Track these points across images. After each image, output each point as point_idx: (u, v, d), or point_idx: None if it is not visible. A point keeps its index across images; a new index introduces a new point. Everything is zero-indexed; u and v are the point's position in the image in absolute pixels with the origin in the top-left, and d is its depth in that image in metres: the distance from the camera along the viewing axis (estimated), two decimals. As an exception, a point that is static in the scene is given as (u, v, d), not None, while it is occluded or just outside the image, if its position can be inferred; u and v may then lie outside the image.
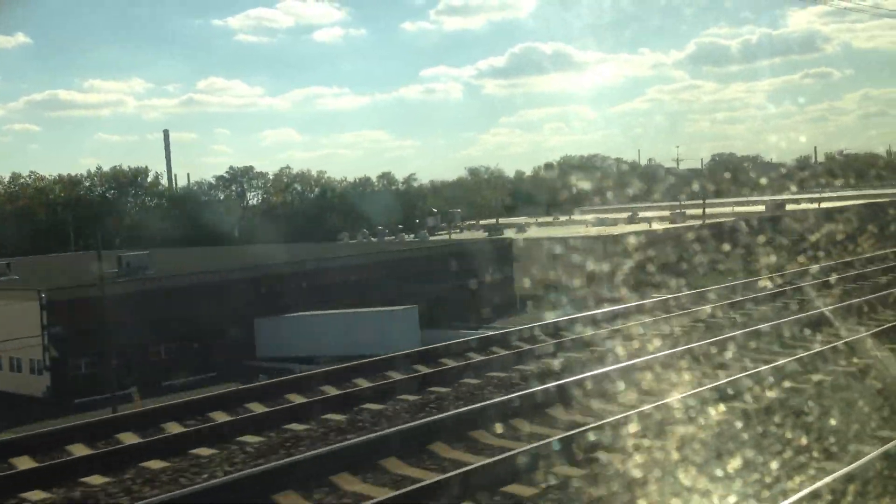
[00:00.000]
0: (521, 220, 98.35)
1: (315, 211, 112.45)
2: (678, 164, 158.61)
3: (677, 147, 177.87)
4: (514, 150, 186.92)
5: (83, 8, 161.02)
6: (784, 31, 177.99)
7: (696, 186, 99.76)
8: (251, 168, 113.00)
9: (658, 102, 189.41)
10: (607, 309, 20.82)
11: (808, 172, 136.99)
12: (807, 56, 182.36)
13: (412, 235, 79.32)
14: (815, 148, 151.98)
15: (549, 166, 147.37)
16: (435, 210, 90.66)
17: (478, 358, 15.76)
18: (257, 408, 12.98)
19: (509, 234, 78.97)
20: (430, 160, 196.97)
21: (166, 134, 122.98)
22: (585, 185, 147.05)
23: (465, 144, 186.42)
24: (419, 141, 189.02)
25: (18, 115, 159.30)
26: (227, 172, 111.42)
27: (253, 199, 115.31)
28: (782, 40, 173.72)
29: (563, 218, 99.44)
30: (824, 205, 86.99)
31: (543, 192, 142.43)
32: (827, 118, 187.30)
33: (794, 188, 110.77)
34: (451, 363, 15.49)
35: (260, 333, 48.82)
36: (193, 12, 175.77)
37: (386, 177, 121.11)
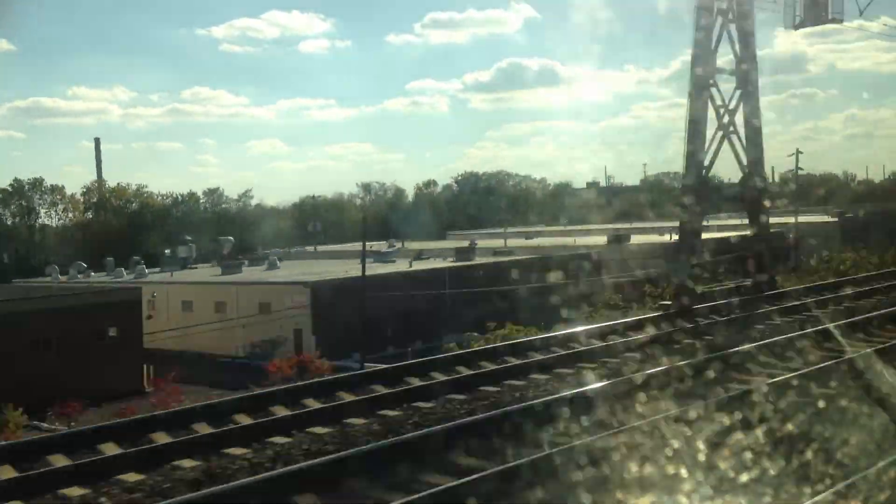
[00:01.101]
0: (337, 248, 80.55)
1: (129, 231, 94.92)
2: (646, 177, 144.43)
3: (644, 164, 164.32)
4: (501, 163, 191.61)
5: (66, 15, 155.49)
6: (769, 51, 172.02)
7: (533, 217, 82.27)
8: (41, 180, 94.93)
9: (642, 119, 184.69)
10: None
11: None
12: (792, 76, 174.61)
13: (128, 272, 61.07)
14: (773, 168, 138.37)
15: (431, 184, 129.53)
16: (189, 238, 72.10)
17: None
18: None
19: (249, 271, 60.85)
20: (418, 173, 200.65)
21: (97, 142, 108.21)
22: (473, 206, 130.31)
23: (452, 157, 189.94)
24: (405, 154, 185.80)
25: (1, 121, 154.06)
26: (10, 185, 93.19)
27: (50, 217, 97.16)
28: (768, 60, 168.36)
29: (395, 246, 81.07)
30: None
31: (425, 213, 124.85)
32: (813, 138, 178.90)
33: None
34: None
35: None
36: (177, 21, 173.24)
37: (213, 194, 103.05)
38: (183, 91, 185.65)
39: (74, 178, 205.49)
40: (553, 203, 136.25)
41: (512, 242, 79.06)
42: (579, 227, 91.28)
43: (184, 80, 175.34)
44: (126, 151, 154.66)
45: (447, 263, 55.52)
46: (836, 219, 74.54)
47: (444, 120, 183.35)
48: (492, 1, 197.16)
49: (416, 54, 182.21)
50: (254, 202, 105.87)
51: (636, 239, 68.35)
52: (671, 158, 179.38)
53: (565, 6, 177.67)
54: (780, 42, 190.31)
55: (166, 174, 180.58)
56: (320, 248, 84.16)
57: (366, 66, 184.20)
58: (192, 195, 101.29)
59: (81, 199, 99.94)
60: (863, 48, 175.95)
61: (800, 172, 78.69)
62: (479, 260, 57.01)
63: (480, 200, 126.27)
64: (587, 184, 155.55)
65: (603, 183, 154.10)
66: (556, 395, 11.38)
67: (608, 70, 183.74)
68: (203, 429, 10.65)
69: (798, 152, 68.96)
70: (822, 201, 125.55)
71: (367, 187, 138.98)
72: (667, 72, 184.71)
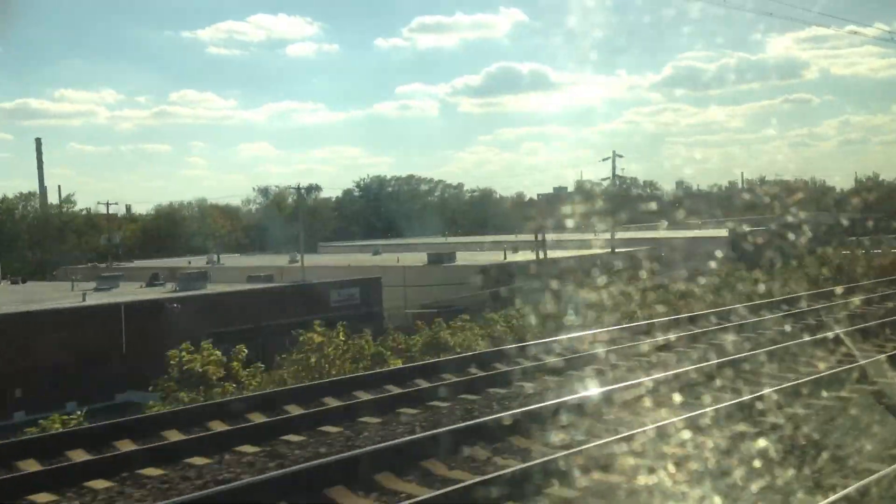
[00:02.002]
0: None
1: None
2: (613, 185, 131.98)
3: (623, 169, 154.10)
4: (491, 168, 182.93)
5: (51, 17, 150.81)
6: (762, 56, 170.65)
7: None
8: None
9: (635, 124, 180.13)
10: None
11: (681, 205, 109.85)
12: (786, 81, 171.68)
13: None
14: (742, 174, 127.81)
15: (314, 189, 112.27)
16: None
17: None
18: None
19: None
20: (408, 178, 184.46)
21: (38, 143, 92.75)
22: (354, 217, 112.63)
23: (443, 162, 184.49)
24: (395, 158, 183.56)
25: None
26: None
27: None
28: (761, 65, 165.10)
29: (213, 262, 64.55)
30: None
31: (302, 222, 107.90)
32: (807, 144, 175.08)
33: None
34: None
35: None
36: (161, 24, 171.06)
37: (31, 199, 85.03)
38: (170, 94, 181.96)
39: (62, 179, 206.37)
40: (471, 212, 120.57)
41: (359, 259, 65.21)
42: (450, 241, 79.17)
43: (171, 82, 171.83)
44: (114, 154, 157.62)
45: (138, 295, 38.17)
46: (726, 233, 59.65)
47: (435, 124, 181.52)
48: (480, 4, 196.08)
49: (405, 58, 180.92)
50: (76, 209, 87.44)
51: (475, 258, 53.24)
52: (659, 163, 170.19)
53: (554, 10, 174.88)
54: (773, 47, 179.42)
55: (154, 177, 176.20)
56: (123, 265, 66.67)
57: (354, 69, 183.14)
58: (3, 200, 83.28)
59: None
60: (857, 54, 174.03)
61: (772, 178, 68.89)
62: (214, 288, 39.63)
63: (379, 208, 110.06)
64: (546, 190, 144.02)
65: (570, 189, 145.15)
66: None
67: (600, 75, 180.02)
68: None
69: (615, 155, 55.49)
70: (768, 209, 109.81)
71: (264, 191, 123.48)
72: (658, 77, 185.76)
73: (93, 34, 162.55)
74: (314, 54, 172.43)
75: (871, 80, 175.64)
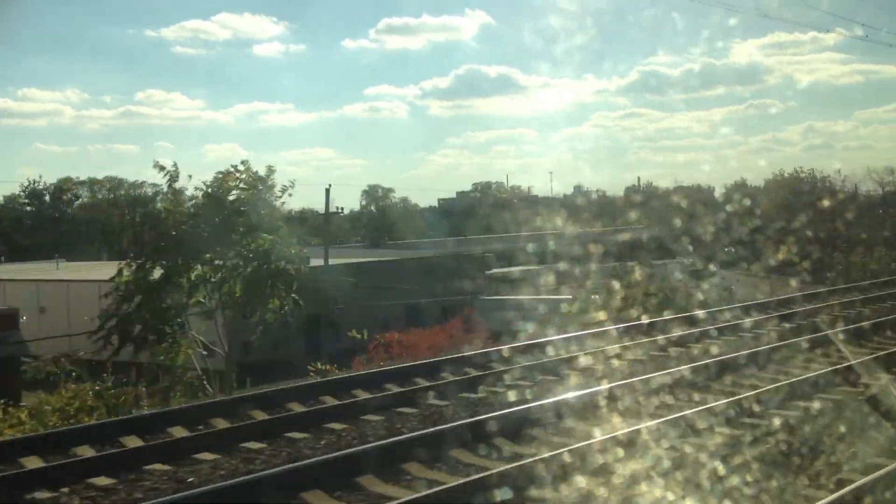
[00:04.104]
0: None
1: None
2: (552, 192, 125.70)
3: (549, 173, 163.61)
4: (464, 170, 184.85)
5: (11, 14, 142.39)
6: (727, 62, 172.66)
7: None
8: None
9: (602, 129, 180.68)
10: None
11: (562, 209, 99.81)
12: (750, 87, 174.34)
13: None
14: (639, 178, 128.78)
15: (161, 182, 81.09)
16: None
17: None
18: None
19: None
20: (380, 179, 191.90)
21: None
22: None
23: (414, 164, 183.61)
24: (366, 160, 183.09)
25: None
26: None
27: None
28: (725, 71, 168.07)
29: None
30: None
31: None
32: (772, 149, 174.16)
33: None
34: None
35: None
36: (125, 22, 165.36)
37: None
38: (136, 93, 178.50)
39: (28, 179, 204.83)
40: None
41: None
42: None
43: (136, 82, 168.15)
44: (81, 153, 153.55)
45: None
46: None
47: (404, 126, 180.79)
48: (446, 7, 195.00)
49: (373, 60, 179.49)
50: None
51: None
52: (639, 167, 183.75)
53: (519, 14, 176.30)
54: (736, 53, 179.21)
55: (123, 177, 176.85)
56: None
57: (322, 70, 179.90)
58: None
59: None
60: (819, 60, 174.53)
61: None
62: None
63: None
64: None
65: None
66: None
67: (567, 79, 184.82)
68: None
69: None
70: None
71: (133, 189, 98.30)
72: (624, 81, 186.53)
73: (55, 31, 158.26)
74: (281, 55, 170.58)
75: (832, 87, 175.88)
